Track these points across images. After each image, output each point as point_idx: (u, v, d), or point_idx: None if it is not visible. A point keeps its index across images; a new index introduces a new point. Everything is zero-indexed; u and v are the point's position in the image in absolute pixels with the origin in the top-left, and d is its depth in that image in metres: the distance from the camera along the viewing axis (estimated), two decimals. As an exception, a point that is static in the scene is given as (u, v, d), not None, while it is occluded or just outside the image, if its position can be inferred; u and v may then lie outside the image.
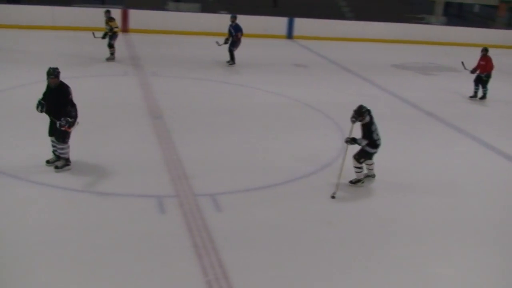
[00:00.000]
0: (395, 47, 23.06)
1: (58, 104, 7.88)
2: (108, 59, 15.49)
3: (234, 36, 16.08)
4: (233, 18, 16.28)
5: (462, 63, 14.73)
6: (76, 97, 11.53)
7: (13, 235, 6.39)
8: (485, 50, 14.57)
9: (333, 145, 10.22)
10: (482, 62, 14.51)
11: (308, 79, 15.82)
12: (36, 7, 20.42)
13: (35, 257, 5.97)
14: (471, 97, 14.80)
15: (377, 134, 8.20)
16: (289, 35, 22.87)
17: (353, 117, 8.12)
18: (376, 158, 8.40)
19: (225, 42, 16.24)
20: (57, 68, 7.96)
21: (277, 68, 16.94)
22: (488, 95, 14.70)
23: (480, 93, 14.74)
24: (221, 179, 8.40)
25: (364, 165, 8.45)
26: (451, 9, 31.14)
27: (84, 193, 7.57)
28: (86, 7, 22.05)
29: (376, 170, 8.54)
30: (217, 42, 16.17)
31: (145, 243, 6.44)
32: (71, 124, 7.90)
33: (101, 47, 16.01)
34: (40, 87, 11.68)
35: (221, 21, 21.78)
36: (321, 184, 8.52)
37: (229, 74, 15.26)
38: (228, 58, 16.29)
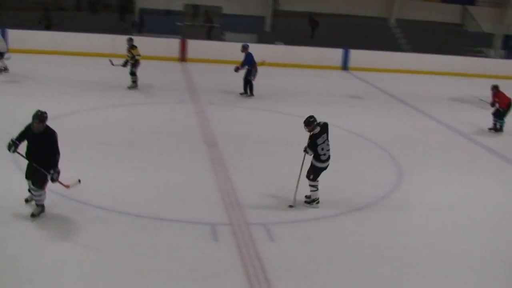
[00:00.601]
0: (451, 80, 22.74)
1: (43, 151, 7.22)
2: (130, 87, 15.63)
3: (250, 67, 16.06)
4: (245, 48, 16.22)
5: (481, 99, 14.84)
6: (135, 123, 11.91)
7: (72, 257, 6.56)
8: (495, 88, 14.41)
9: (388, 177, 10.10)
10: (496, 99, 14.36)
11: (363, 111, 15.73)
12: (97, 35, 21.12)
13: (91, 279, 6.11)
14: (490, 129, 14.50)
15: (323, 149, 8.22)
16: (345, 66, 22.89)
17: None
18: (428, 191, 8.24)
19: (235, 71, 16.09)
20: (44, 113, 7.20)
21: (331, 99, 16.95)
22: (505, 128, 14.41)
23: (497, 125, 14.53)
24: (274, 209, 8.41)
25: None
26: (510, 42, 30.51)
27: (140, 218, 7.70)
28: (144, 36, 22.73)
29: (432, 205, 8.37)
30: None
31: (198, 270, 6.49)
32: (59, 174, 7.27)
33: (159, 75, 16.44)
34: (100, 113, 12.09)
35: (276, 52, 22.16)
36: (375, 217, 8.43)
37: (283, 104, 15.30)
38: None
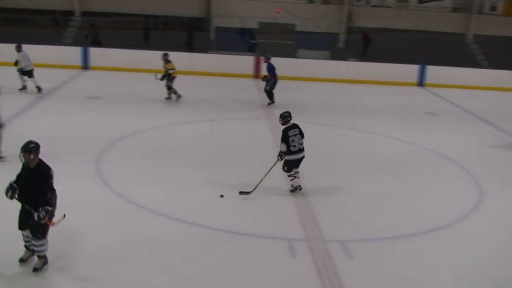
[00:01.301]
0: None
1: (34, 189, 6.14)
2: (167, 99, 16.17)
3: (268, 76, 16.30)
4: (266, 59, 16.63)
5: None
6: (211, 139, 12.12)
7: (150, 271, 6.76)
8: None
9: (467, 197, 9.85)
10: None
11: (440, 128, 15.38)
12: (174, 53, 21.69)
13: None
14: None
15: (293, 141, 9.03)
16: (421, 83, 22.48)
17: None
18: (510, 213, 7.97)
19: (264, 80, 16.49)
20: (32, 143, 6.18)
21: (407, 115, 16.67)
22: None
23: None
24: (351, 226, 8.37)
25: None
26: None
27: (216, 232, 7.85)
28: (220, 54, 23.23)
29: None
30: (263, 80, 16.54)
31: (274, 285, 6.55)
32: (52, 215, 6.21)
33: (234, 91, 16.70)
34: (178, 128, 12.38)
35: (349, 68, 22.09)
36: (454, 237, 8.23)
37: (359, 121, 15.20)
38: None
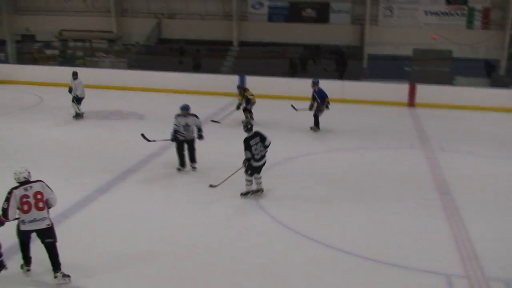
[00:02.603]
0: None
1: None
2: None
3: (320, 102, 15.80)
4: (315, 84, 15.96)
5: None
6: (363, 167, 11.99)
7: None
8: None
9: None
10: None
11: None
12: (326, 81, 21.85)
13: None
14: None
15: (256, 150, 9.83)
16: None
17: None
18: None
19: (310, 109, 15.99)
20: None
21: None
22: None
23: None
24: (516, 264, 7.81)
25: (254, 180, 10.02)
26: None
27: (369, 261, 7.72)
28: (373, 81, 23.05)
29: None
30: (292, 106, 16.41)
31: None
32: None
33: (387, 120, 16.40)
34: (330, 156, 12.42)
35: (510, 96, 20.79)
36: None
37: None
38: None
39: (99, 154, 12.84)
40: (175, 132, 11.43)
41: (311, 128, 16.11)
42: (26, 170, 6.89)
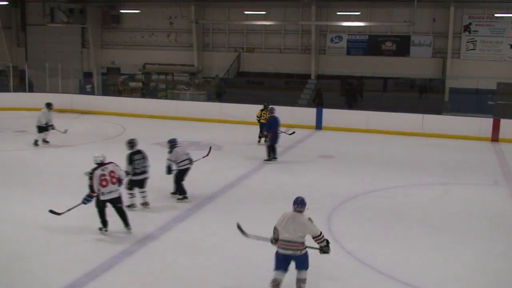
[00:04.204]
0: None
1: None
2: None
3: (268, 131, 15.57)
4: (270, 112, 16.17)
5: None
6: (445, 204, 11.60)
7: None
8: None
9: None
10: None
11: None
12: (406, 114, 21.56)
13: None
14: None
15: (138, 164, 10.54)
16: None
17: None
18: None
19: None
20: None
21: None
22: None
23: None
24: None
25: (138, 193, 10.75)
26: None
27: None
28: (455, 115, 22.44)
29: None
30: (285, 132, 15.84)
31: None
32: None
33: (470, 155, 15.89)
34: (409, 191, 12.11)
35: None
36: None
37: None
38: None
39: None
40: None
41: (265, 160, 15.50)
42: (102, 155, 9.23)
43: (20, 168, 14.36)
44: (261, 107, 18.38)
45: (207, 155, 12.82)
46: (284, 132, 16.34)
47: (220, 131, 21.11)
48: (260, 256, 8.04)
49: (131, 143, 10.77)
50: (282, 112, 22.66)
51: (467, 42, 26.98)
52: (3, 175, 13.47)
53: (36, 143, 16.90)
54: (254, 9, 29.32)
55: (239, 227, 7.60)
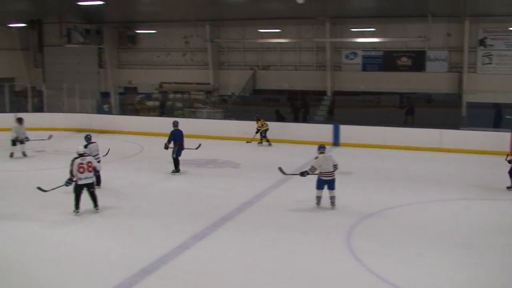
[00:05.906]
0: None
1: None
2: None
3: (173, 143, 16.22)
4: (174, 125, 16.58)
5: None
6: (466, 219, 11.47)
7: None
8: None
9: None
10: None
11: None
12: (424, 130, 21.49)
13: None
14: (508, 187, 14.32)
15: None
16: None
17: None
18: None
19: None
20: None
21: None
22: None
23: None
24: None
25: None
26: None
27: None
28: (472, 130, 22.27)
29: None
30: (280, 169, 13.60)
31: None
32: None
33: (489, 170, 15.76)
34: (429, 207, 12.02)
35: None
36: None
37: None
38: None
39: (195, 202, 13.13)
40: None
41: (173, 172, 16.28)
42: (83, 147, 12.09)
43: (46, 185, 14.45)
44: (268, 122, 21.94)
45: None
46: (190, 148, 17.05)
47: (237, 149, 21.15)
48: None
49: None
50: (298, 129, 22.88)
51: (483, 56, 26.89)
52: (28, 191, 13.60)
53: (11, 155, 18.75)
54: (268, 27, 29.53)
55: (280, 169, 12.85)
